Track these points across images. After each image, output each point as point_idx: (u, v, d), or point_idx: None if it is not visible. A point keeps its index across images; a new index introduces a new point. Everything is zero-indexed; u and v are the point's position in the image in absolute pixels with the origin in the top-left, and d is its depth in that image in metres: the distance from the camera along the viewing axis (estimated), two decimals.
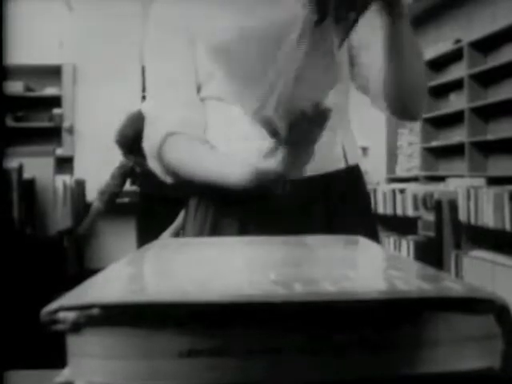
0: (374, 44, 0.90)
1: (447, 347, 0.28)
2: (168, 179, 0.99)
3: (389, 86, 0.89)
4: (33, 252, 2.29)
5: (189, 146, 0.95)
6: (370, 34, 0.92)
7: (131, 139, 2.77)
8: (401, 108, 0.94)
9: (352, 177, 1.00)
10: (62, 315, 0.28)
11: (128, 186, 3.42)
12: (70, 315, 0.27)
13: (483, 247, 3.34)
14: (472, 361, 0.29)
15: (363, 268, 0.45)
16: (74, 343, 0.28)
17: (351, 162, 0.99)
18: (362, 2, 0.69)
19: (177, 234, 2.87)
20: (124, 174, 3.22)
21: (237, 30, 0.91)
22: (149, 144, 0.97)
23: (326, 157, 0.94)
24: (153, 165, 0.98)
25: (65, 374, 0.29)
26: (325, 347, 0.27)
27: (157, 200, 3.03)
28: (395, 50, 0.83)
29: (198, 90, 0.98)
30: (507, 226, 2.97)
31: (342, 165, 0.98)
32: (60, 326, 0.27)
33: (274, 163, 0.80)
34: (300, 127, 0.75)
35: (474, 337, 0.29)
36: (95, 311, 0.27)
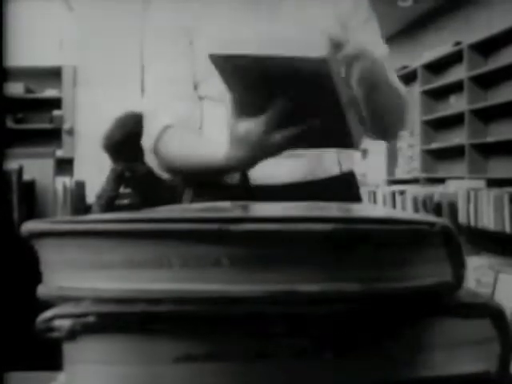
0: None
1: (444, 351, 0.28)
2: (164, 174, 0.99)
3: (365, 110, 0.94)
4: (33, 253, 2.29)
5: (184, 137, 0.96)
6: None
7: (119, 143, 2.69)
8: (373, 129, 0.99)
9: (345, 183, 1.00)
10: (57, 323, 0.27)
11: (122, 189, 3.41)
12: (66, 323, 0.27)
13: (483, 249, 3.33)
14: (469, 365, 0.29)
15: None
16: (69, 350, 0.28)
17: (345, 168, 1.00)
18: None
19: None
20: (116, 177, 3.21)
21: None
22: (147, 138, 0.98)
23: (319, 162, 0.96)
24: (150, 160, 0.99)
25: (60, 379, 0.29)
26: (323, 351, 0.27)
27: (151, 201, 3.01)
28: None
29: (196, 87, 0.99)
30: (507, 229, 2.97)
31: (336, 171, 0.99)
32: (55, 334, 0.27)
33: (252, 124, 0.75)
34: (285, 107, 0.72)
35: (471, 341, 0.29)
36: (90, 319, 0.27)
